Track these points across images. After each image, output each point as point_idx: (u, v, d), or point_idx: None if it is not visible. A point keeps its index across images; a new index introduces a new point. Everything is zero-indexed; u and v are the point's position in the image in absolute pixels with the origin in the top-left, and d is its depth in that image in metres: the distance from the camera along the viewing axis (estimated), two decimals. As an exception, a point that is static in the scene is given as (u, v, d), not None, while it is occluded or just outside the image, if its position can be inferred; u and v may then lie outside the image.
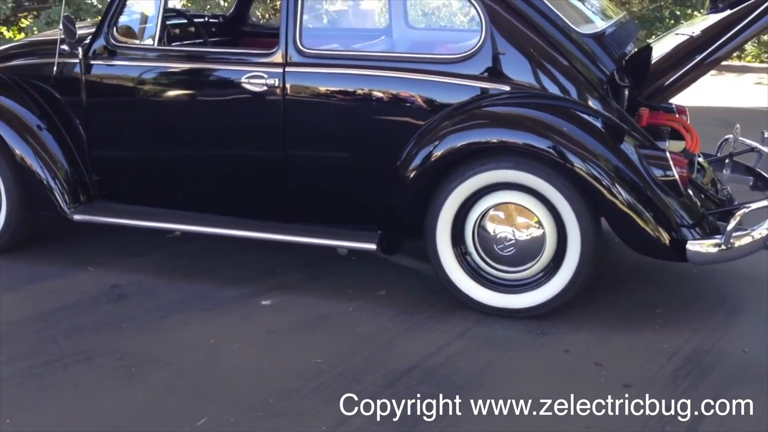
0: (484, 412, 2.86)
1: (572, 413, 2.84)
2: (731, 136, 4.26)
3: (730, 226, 3.30)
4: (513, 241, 3.51)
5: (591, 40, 3.60)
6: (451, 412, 2.87)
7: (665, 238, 3.35)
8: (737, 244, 3.38)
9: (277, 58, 3.71)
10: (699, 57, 3.57)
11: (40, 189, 4.15)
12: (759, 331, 3.47)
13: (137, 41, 4.06)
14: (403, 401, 2.90)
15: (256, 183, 3.91)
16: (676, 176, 3.36)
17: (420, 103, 3.60)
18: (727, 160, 4.27)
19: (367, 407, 2.89)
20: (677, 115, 4.11)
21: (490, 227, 3.54)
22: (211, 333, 3.50)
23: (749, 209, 3.44)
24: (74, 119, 4.19)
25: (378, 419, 2.84)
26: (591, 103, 3.51)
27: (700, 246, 3.33)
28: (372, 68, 3.65)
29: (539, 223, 3.48)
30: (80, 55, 4.05)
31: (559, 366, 3.22)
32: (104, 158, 4.18)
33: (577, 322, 3.55)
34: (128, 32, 4.10)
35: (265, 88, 3.72)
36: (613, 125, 3.49)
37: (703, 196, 3.68)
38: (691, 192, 3.53)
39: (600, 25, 3.85)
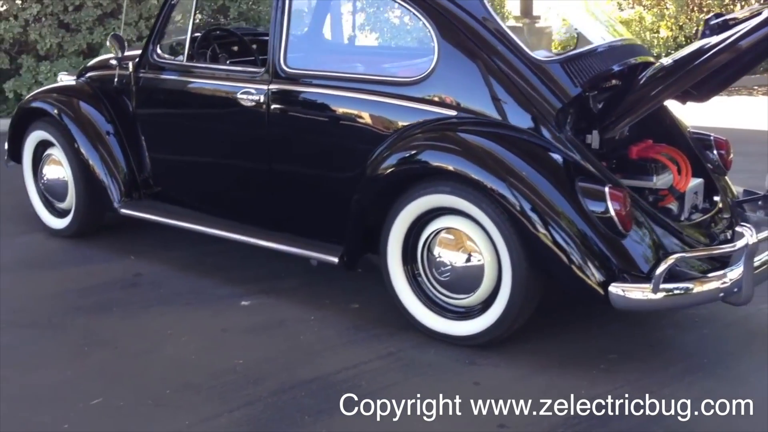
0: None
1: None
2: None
3: (657, 272, 3.05)
4: (449, 267, 3.48)
5: (553, 65, 3.47)
6: (320, 429, 2.96)
7: (589, 278, 3.16)
8: (674, 293, 3.10)
9: (264, 76, 3.97)
10: (652, 88, 3.32)
11: (99, 185, 4.73)
12: (695, 395, 3.15)
13: (172, 57, 4.50)
14: (279, 411, 3.06)
15: (249, 192, 4.19)
16: (612, 213, 3.16)
17: (376, 124, 3.68)
18: (760, 201, 3.88)
19: (237, 410, 3.06)
20: (672, 148, 3.79)
21: (436, 250, 3.53)
22: (174, 325, 3.83)
23: (685, 256, 3.13)
24: (129, 125, 4.73)
25: (239, 423, 2.99)
26: (538, 130, 3.39)
27: (623, 290, 3.10)
28: (340, 89, 3.79)
29: (481, 252, 3.41)
30: (130, 69, 4.58)
31: (454, 397, 3.13)
32: (144, 160, 4.68)
33: (517, 357, 3.44)
34: (171, 49, 4.57)
35: (253, 103, 3.99)
36: (553, 155, 3.35)
37: (673, 235, 3.39)
38: (645, 230, 3.29)
39: (570, 50, 3.67)
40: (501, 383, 3.25)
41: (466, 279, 3.46)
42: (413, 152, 3.47)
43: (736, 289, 3.14)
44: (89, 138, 4.76)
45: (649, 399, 3.10)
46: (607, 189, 3.19)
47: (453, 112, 3.50)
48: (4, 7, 8.50)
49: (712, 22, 3.38)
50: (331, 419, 3.00)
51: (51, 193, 5.08)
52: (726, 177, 4.17)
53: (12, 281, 4.39)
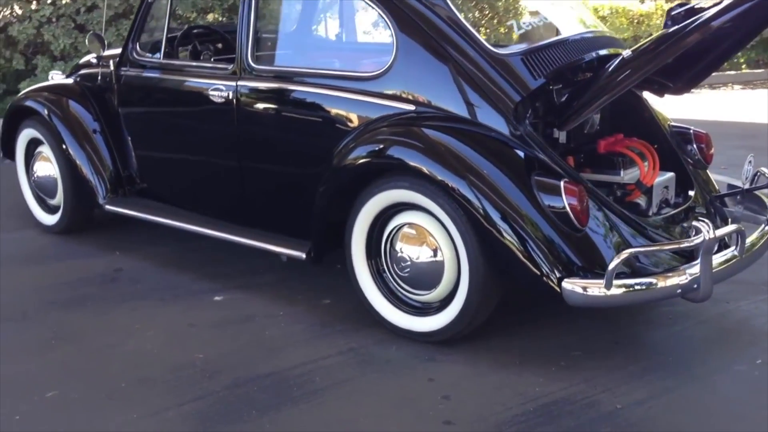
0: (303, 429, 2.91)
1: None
2: (747, 166, 3.76)
3: (609, 267, 2.99)
4: (410, 263, 3.45)
5: (513, 58, 3.42)
6: (265, 424, 2.95)
7: (543, 274, 3.11)
8: (629, 289, 3.04)
9: (233, 73, 3.98)
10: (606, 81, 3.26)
11: (85, 183, 4.79)
12: (652, 393, 3.08)
13: (150, 55, 4.53)
14: (228, 405, 3.06)
15: (222, 189, 4.21)
16: (567, 207, 3.11)
17: (338, 119, 3.67)
18: (739, 196, 3.79)
19: (188, 404, 3.08)
20: (639, 141, 3.72)
21: (398, 245, 3.51)
22: (144, 320, 3.85)
23: (633, 252, 3.07)
24: (113, 122, 4.78)
25: (186, 417, 3.00)
26: (496, 124, 3.34)
27: (576, 286, 3.05)
28: (304, 84, 3.79)
29: (440, 248, 3.38)
30: (111, 67, 4.63)
31: (406, 393, 3.13)
32: (129, 157, 4.72)
33: (478, 354, 3.41)
34: (153, 46, 4.61)
35: (223, 99, 4.00)
36: (509, 149, 3.30)
37: (635, 231, 3.32)
38: (604, 225, 3.23)
39: (535, 41, 3.62)
40: (456, 380, 3.22)
41: (426, 275, 3.43)
42: (374, 146, 3.44)
43: (695, 286, 3.06)
44: (76, 137, 4.81)
45: (604, 397, 3.05)
46: (562, 183, 3.13)
47: (411, 107, 3.48)
48: (21, 11, 8.65)
49: (674, 12, 3.30)
50: (278, 414, 2.99)
51: (42, 190, 5.15)
52: (707, 171, 4.08)
53: (-5, 276, 4.46)
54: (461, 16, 3.46)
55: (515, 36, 4.07)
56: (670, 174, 3.72)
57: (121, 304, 4.06)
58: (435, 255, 3.39)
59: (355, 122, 3.60)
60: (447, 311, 3.40)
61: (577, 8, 4.16)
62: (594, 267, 3.10)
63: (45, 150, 5.03)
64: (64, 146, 4.82)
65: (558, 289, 3.07)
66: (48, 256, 4.78)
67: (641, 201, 3.58)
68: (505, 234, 3.12)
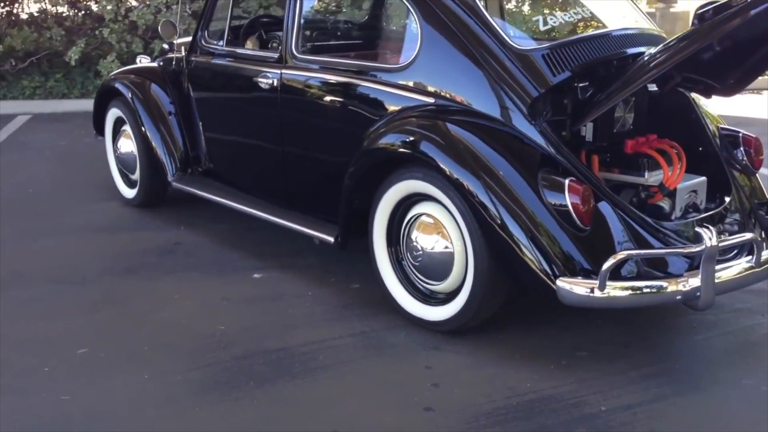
0: (281, 404, 3.05)
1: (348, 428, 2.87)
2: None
3: (603, 268, 2.97)
4: (421, 252, 3.54)
5: (536, 54, 3.43)
6: (258, 395, 3.11)
7: (541, 271, 3.12)
8: (625, 292, 3.01)
9: (278, 61, 4.17)
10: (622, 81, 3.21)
11: (158, 160, 5.13)
12: (644, 400, 3.04)
13: (215, 42, 4.79)
14: (231, 375, 3.23)
15: (268, 171, 4.42)
16: (569, 205, 3.11)
17: (368, 109, 3.78)
18: None
19: (195, 370, 3.28)
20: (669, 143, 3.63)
21: (413, 234, 3.60)
22: (184, 290, 4.11)
23: (629, 255, 3.02)
24: (185, 105, 5.09)
25: (189, 382, 3.19)
26: (511, 119, 3.37)
27: (570, 284, 3.04)
28: (338, 73, 3.93)
29: (451, 240, 3.45)
30: (183, 53, 4.93)
31: (400, 378, 3.22)
32: (198, 138, 5.01)
33: (483, 346, 3.45)
34: (218, 34, 4.87)
35: (268, 87, 4.20)
36: (521, 145, 3.31)
37: (649, 234, 3.27)
38: (611, 226, 3.21)
39: (563, 37, 3.60)
40: (452, 369, 3.28)
41: (437, 265, 3.50)
42: (391, 137, 3.53)
43: (697, 294, 3.00)
44: (153, 118, 5.15)
45: (593, 398, 3.04)
46: (567, 181, 3.13)
47: (431, 100, 3.54)
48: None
49: (701, 11, 3.20)
50: (272, 387, 3.15)
51: (124, 165, 5.53)
52: (758, 177, 3.93)
53: (69, 242, 4.85)
54: (484, 9, 3.47)
55: (548, 30, 4.01)
56: (701, 178, 3.61)
57: (169, 274, 4.34)
58: (446, 246, 3.45)
59: (381, 113, 3.70)
60: (454, 303, 3.46)
61: (620, 5, 4.07)
62: (596, 268, 3.07)
63: (127, 128, 5.39)
64: (142, 127, 5.15)
65: (554, 287, 3.06)
66: (120, 227, 5.14)
67: (664, 204, 3.50)
68: (506, 228, 3.15)
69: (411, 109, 3.57)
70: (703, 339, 3.54)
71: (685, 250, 3.05)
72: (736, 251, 3.33)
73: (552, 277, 3.08)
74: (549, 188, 3.16)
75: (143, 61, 5.86)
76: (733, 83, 3.71)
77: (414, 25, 3.61)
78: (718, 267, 3.14)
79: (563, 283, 3.04)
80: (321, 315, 3.81)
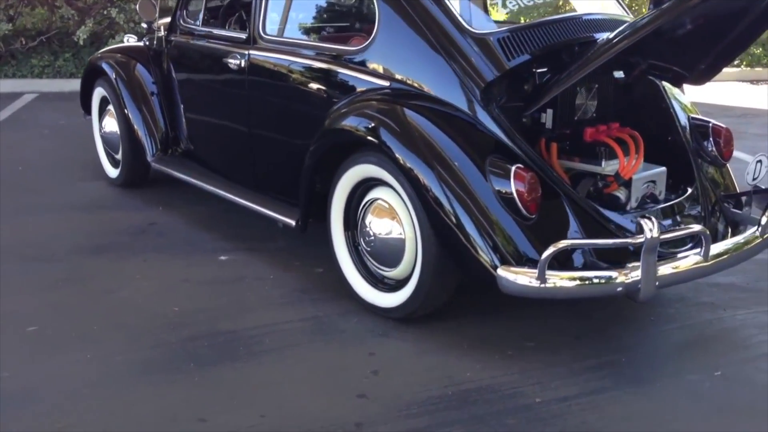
0: (216, 387, 3.05)
1: (281, 417, 2.85)
2: (753, 164, 3.54)
3: (542, 257, 2.92)
4: (373, 238, 3.51)
5: (494, 37, 3.36)
6: (196, 377, 3.10)
7: (483, 259, 3.07)
8: (565, 282, 2.96)
9: (246, 42, 4.15)
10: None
11: (138, 141, 5.14)
12: (581, 392, 3.00)
13: (192, 21, 4.77)
14: (174, 356, 3.24)
15: (237, 153, 4.41)
16: (514, 192, 3.05)
17: (328, 91, 3.76)
18: (744, 198, 3.58)
19: (139, 351, 3.29)
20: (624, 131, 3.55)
21: (367, 219, 3.56)
22: (147, 271, 4.12)
23: (568, 245, 2.96)
24: (167, 84, 5.09)
25: (131, 363, 3.20)
26: (464, 104, 3.31)
27: (510, 273, 2.99)
28: (300, 56, 3.89)
29: (403, 226, 3.41)
30: (162, 32, 4.92)
31: (341, 364, 3.20)
32: (179, 119, 5.01)
33: (432, 334, 3.42)
34: (195, 14, 4.85)
35: (237, 67, 4.19)
36: (471, 129, 3.26)
37: (598, 224, 3.21)
38: (558, 215, 3.15)
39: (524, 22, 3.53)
40: (395, 356, 3.25)
41: (389, 251, 3.47)
42: (345, 119, 3.50)
43: (639, 286, 2.93)
44: (135, 99, 5.16)
45: (530, 390, 3.00)
46: (513, 168, 3.07)
47: (387, 83, 3.50)
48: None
49: (656, -6, 3.13)
50: (212, 369, 3.15)
51: (108, 144, 5.56)
52: (727, 168, 3.84)
53: (47, 220, 4.89)
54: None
55: (513, 13, 3.94)
56: (660, 168, 3.53)
57: (137, 254, 4.35)
58: (398, 232, 3.41)
59: (339, 95, 3.67)
60: (404, 290, 3.43)
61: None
62: (533, 256, 3.02)
63: (112, 108, 5.41)
64: (124, 107, 5.16)
65: (495, 276, 3.02)
66: (100, 206, 5.17)
67: (620, 194, 3.43)
68: (452, 215, 3.11)
69: (368, 92, 3.54)
70: (658, 332, 3.48)
71: (625, 241, 2.97)
72: (691, 244, 3.25)
73: (494, 266, 3.02)
74: (496, 175, 3.11)
75: (130, 41, 5.87)
76: (702, 72, 3.62)
77: (372, 5, 3.56)
78: (666, 260, 3.08)
79: (504, 272, 2.99)
80: (277, 298, 3.80)
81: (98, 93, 5.56)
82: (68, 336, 3.42)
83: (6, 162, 6.18)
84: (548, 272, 2.92)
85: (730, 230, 3.57)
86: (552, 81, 3.27)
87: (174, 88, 5.00)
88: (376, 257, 3.53)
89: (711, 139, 3.78)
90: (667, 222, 3.41)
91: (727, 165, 3.88)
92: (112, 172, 5.59)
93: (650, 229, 2.87)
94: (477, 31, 3.38)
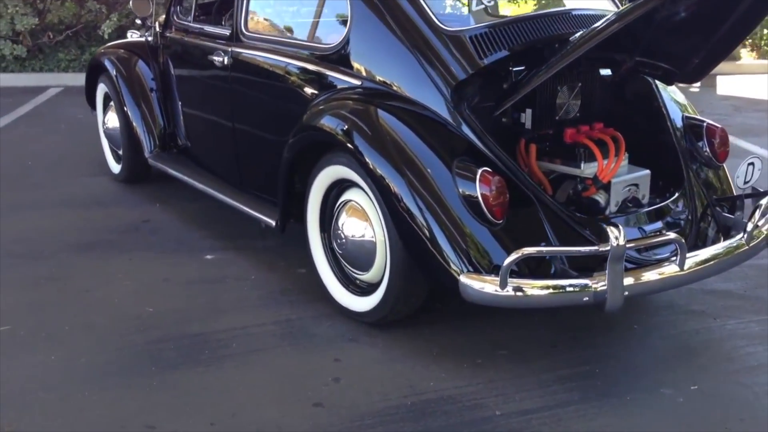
0: (172, 393, 3.00)
1: (230, 426, 2.79)
2: (745, 166, 3.37)
3: (504, 265, 2.80)
4: (344, 240, 3.43)
5: (468, 34, 3.25)
6: (155, 382, 3.06)
7: (445, 265, 2.97)
8: (528, 291, 2.84)
9: (229, 38, 4.09)
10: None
11: (136, 137, 5.13)
12: (545, 405, 2.88)
13: (186, 18, 4.73)
14: (137, 359, 3.20)
15: (223, 150, 4.36)
16: (479, 196, 2.94)
17: (304, 88, 3.68)
18: (738, 201, 3.42)
19: (103, 353, 3.26)
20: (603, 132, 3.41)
21: (340, 221, 3.48)
22: (130, 270, 4.09)
23: (530, 252, 2.83)
24: (164, 80, 5.07)
25: (93, 365, 3.17)
26: (433, 103, 3.21)
27: (473, 280, 2.89)
28: (278, 53, 3.83)
29: (374, 229, 3.33)
30: (157, 29, 4.90)
31: (304, 370, 3.13)
32: (176, 116, 4.98)
33: (401, 340, 3.34)
34: (188, 10, 4.80)
35: (221, 64, 4.14)
36: (441, 129, 3.16)
37: (573, 230, 3.08)
38: (527, 221, 3.03)
39: (492, 19, 3.40)
40: (360, 364, 3.17)
41: (362, 254, 3.39)
42: (313, 119, 3.42)
43: (607, 295, 2.80)
44: (134, 96, 5.14)
45: (492, 401, 2.90)
46: (479, 171, 2.96)
47: (358, 82, 3.41)
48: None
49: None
50: (171, 373, 3.10)
51: (111, 140, 5.56)
52: (722, 169, 3.67)
53: (43, 216, 4.90)
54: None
55: (490, 9, 3.80)
56: (643, 171, 3.38)
57: (124, 253, 4.33)
58: (369, 235, 3.32)
59: (314, 93, 3.60)
60: (375, 294, 3.34)
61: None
62: (497, 263, 2.90)
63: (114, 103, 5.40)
64: (123, 103, 5.15)
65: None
66: (98, 202, 5.17)
67: (599, 198, 3.29)
68: (417, 218, 3.01)
69: (339, 90, 3.45)
70: (639, 342, 3.34)
71: (589, 249, 2.84)
72: (671, 251, 3.10)
73: (457, 272, 2.92)
74: (463, 177, 3.00)
75: (133, 36, 5.85)
76: (693, 69, 3.46)
77: (345, 2, 3.47)
78: (643, 267, 2.95)
79: (466, 279, 2.88)
80: (254, 300, 3.74)
81: (101, 89, 5.55)
82: (38, 336, 3.41)
83: (17, 156, 6.24)
84: (511, 280, 2.80)
85: (721, 236, 3.40)
86: (525, 78, 3.14)
87: (171, 85, 4.97)
88: (349, 260, 3.45)
89: (705, 139, 3.61)
90: (650, 227, 3.26)
91: (724, 167, 3.70)
92: (115, 168, 5.60)
93: (616, 237, 2.74)
94: (450, 29, 3.27)
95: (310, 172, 3.56)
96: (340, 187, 3.50)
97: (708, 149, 3.60)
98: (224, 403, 2.89)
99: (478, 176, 2.94)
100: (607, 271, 2.77)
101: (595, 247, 2.81)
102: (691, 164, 3.56)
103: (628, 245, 2.78)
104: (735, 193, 3.59)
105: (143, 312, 3.61)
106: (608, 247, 2.75)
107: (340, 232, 3.43)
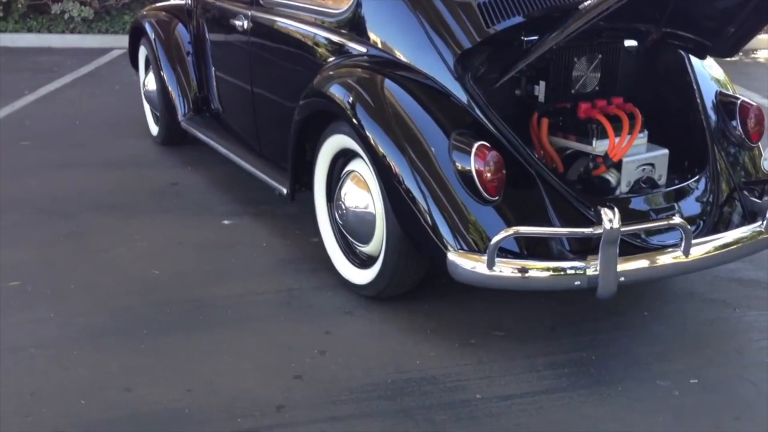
0: (158, 356, 3.00)
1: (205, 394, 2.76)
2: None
3: (491, 243, 2.68)
4: (345, 211, 3.36)
5: (480, 1, 3.10)
6: (144, 345, 3.07)
7: (436, 239, 2.86)
8: (515, 272, 2.72)
9: (250, 2, 4.03)
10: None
11: (171, 100, 5.15)
12: (535, 389, 2.77)
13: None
14: (130, 322, 3.21)
15: (246, 116, 4.32)
16: (473, 171, 2.82)
17: (314, 53, 3.61)
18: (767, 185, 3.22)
19: (99, 314, 3.28)
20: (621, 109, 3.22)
21: (343, 191, 3.41)
22: (148, 232, 4.11)
23: (520, 232, 2.70)
24: (200, 45, 5.07)
25: (89, 326, 3.19)
26: (437, 72, 3.09)
27: (460, 258, 2.78)
28: (291, 17, 3.76)
29: (374, 201, 3.25)
30: (194, -8, 4.89)
31: (292, 342, 3.08)
32: (209, 79, 4.97)
33: (399, 315, 3.26)
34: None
35: (242, 28, 4.09)
36: (443, 100, 3.03)
37: (576, 210, 2.93)
38: (526, 200, 2.90)
39: None
40: (350, 337, 3.11)
41: (361, 226, 3.31)
42: (317, 86, 3.34)
43: (600, 279, 2.66)
44: (170, 59, 5.15)
45: (476, 384, 2.81)
46: (476, 144, 2.83)
47: (364, 49, 3.31)
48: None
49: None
50: (161, 337, 3.10)
51: (150, 102, 5.59)
52: (757, 150, 3.44)
53: (79, 174, 4.97)
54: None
55: None
56: (661, 151, 3.19)
57: (145, 214, 4.36)
58: (370, 207, 3.24)
59: (324, 59, 3.52)
60: (373, 268, 3.26)
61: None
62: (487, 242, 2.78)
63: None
64: (159, 67, 5.17)
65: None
66: (133, 164, 5.22)
67: (611, 177, 3.12)
68: (410, 189, 2.91)
69: (347, 57, 3.35)
70: (646, 329, 3.17)
71: (580, 230, 2.69)
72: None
73: (446, 249, 2.81)
74: (459, 150, 2.87)
75: (178, -1, 5.85)
76: (727, 41, 3.23)
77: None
78: (646, 252, 2.79)
79: (454, 256, 2.77)
80: (261, 267, 3.72)
81: (142, 51, 5.58)
82: (43, 294, 3.46)
83: (66, 116, 6.35)
84: (499, 260, 2.68)
85: (747, 221, 3.18)
86: (534, 44, 2.98)
87: (206, 48, 4.95)
88: (350, 231, 3.37)
89: (738, 118, 3.38)
90: (664, 209, 3.07)
91: (759, 147, 3.46)
92: (155, 130, 5.63)
93: (610, 219, 2.58)
94: (460, -6, 3.11)
95: (319, 139, 3.48)
96: (346, 156, 3.41)
97: (740, 128, 3.37)
98: (205, 370, 2.87)
99: (473, 150, 2.81)
100: (600, 255, 2.61)
101: (588, 230, 2.65)
102: (720, 144, 3.34)
103: (623, 229, 2.61)
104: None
105: (149, 274, 3.62)
106: (600, 230, 2.59)
107: (341, 202, 3.35)
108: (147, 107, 5.75)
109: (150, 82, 5.51)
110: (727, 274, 3.58)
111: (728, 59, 3.61)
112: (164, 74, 5.14)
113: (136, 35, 5.62)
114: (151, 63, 5.31)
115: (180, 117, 5.06)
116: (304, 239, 3.99)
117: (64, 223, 4.21)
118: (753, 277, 3.58)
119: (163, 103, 5.26)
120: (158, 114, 5.51)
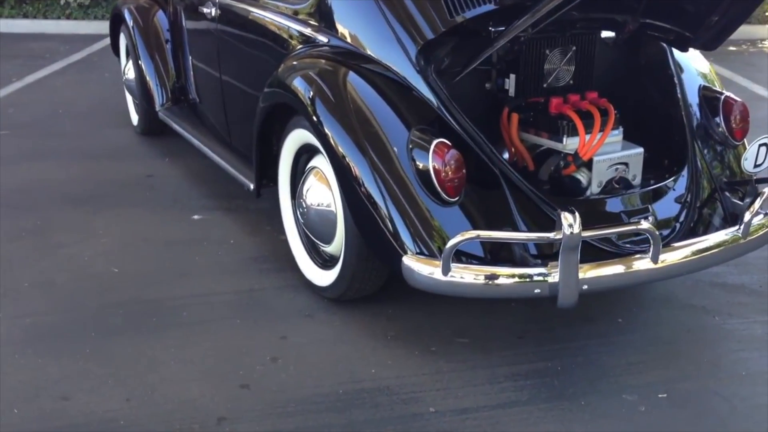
0: (100, 361, 2.88)
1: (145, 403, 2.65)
2: (755, 147, 2.98)
3: (447, 247, 2.53)
4: (305, 209, 3.21)
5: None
6: (88, 349, 2.95)
7: (391, 241, 2.71)
8: (471, 278, 2.56)
9: (217, -11, 3.89)
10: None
11: (149, 90, 5.01)
12: (493, 402, 2.62)
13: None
14: (81, 324, 3.09)
15: (216, 107, 4.17)
16: (430, 169, 2.66)
17: (278, 42, 3.46)
18: (749, 186, 3.04)
19: (51, 314, 3.16)
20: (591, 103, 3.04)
21: (305, 188, 3.26)
22: (114, 227, 3.98)
23: (474, 236, 2.54)
24: (172, 32, 4.92)
25: (36, 326, 3.08)
26: (399, 65, 2.93)
27: (415, 263, 2.62)
28: (255, 5, 3.61)
29: (334, 199, 3.10)
30: (173, -19, 4.74)
31: (245, 346, 2.95)
32: (186, 69, 4.83)
33: (359, 319, 3.12)
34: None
35: (210, 16, 3.94)
36: (410, 96, 2.87)
37: (542, 213, 2.77)
38: (489, 202, 2.74)
39: None
40: (305, 343, 2.97)
41: (322, 225, 3.16)
42: (280, 80, 3.18)
43: (560, 287, 2.50)
44: (148, 47, 5.00)
45: (431, 396, 2.66)
46: (434, 142, 2.67)
47: (325, 39, 3.15)
48: None
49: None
50: (110, 341, 2.97)
51: (130, 91, 5.46)
52: (742, 148, 3.27)
53: (53, 166, 4.84)
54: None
55: None
56: (635, 150, 3.02)
57: (114, 208, 4.23)
58: (330, 205, 3.09)
59: (285, 48, 3.37)
60: (335, 269, 3.11)
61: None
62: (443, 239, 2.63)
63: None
64: (137, 56, 5.03)
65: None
66: (110, 155, 5.08)
67: (582, 177, 2.96)
68: (366, 187, 2.76)
69: (310, 47, 3.19)
70: (617, 338, 3.01)
71: (539, 236, 2.53)
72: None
73: (401, 253, 2.66)
74: (418, 147, 2.72)
75: (159, -15, 5.69)
76: (709, 33, 3.05)
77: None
78: (616, 258, 2.63)
79: (409, 261, 2.62)
80: (225, 266, 3.58)
81: (122, 39, 5.45)
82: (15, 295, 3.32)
83: (50, 104, 6.23)
84: (456, 266, 2.52)
85: (727, 224, 3.01)
86: (487, 37, 2.81)
87: (183, 37, 4.80)
88: (312, 230, 3.22)
89: (721, 114, 3.20)
90: (638, 211, 2.91)
91: (745, 144, 3.28)
92: (135, 120, 5.50)
93: (570, 224, 2.41)
94: (424, -17, 2.94)
95: (283, 132, 3.34)
96: (309, 152, 3.26)
97: (724, 126, 3.19)
98: (149, 378, 2.74)
99: (432, 147, 2.66)
100: (559, 262, 2.45)
101: (547, 235, 2.49)
102: (701, 142, 3.16)
103: (585, 234, 2.45)
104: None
105: (107, 272, 3.50)
106: (560, 236, 2.43)
107: (302, 200, 3.21)
108: (128, 97, 5.61)
109: (130, 71, 5.37)
110: (709, 278, 3.41)
111: (733, 49, 3.43)
112: (142, 63, 5.00)
113: (117, 22, 5.47)
114: (130, 51, 5.17)
115: (157, 107, 4.93)
116: (273, 236, 3.85)
117: (28, 217, 4.09)
118: (737, 282, 3.41)
119: (141, 92, 5.12)
120: (137, 103, 5.37)
